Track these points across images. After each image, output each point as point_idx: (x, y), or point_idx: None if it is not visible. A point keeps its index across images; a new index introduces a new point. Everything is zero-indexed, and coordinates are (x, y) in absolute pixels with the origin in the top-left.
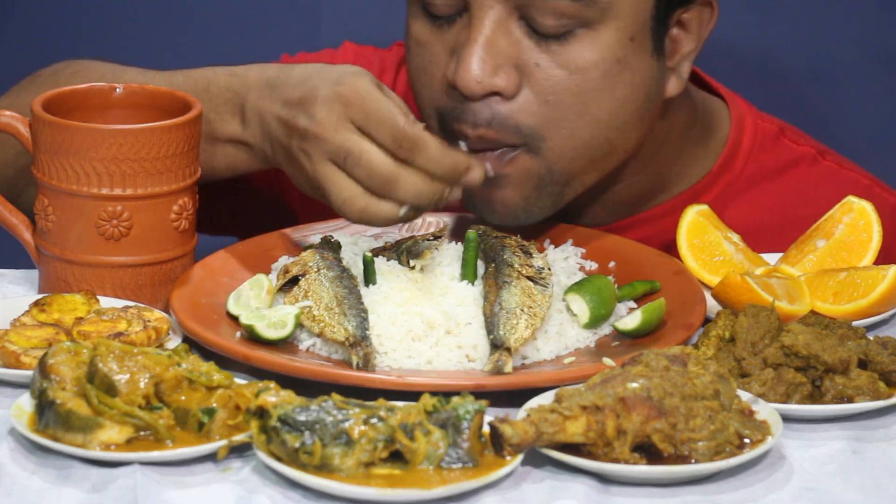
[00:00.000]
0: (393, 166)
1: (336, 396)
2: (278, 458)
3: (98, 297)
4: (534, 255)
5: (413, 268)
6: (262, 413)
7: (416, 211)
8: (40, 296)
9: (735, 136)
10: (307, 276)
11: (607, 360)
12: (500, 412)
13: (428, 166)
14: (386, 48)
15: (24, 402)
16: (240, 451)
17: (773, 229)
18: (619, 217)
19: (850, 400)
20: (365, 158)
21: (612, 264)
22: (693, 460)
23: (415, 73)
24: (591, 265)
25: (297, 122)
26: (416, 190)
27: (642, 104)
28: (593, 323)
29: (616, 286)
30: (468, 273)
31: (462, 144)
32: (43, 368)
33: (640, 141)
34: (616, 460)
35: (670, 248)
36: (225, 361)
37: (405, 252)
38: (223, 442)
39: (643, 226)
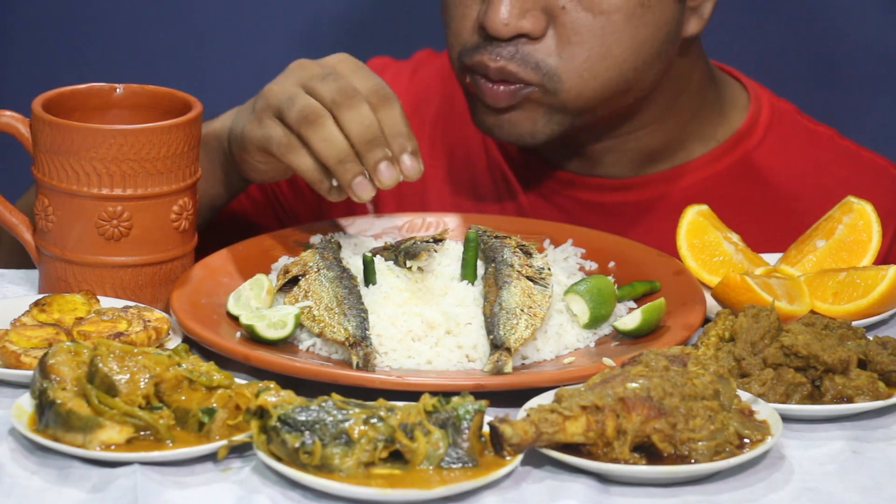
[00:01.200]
0: (323, 111)
1: (336, 396)
2: (278, 458)
3: (98, 297)
4: (534, 255)
5: (410, 269)
6: (262, 413)
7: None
8: (40, 296)
9: (755, 107)
10: (307, 276)
11: (607, 360)
12: (500, 412)
13: (391, 120)
14: None
15: (24, 402)
16: (240, 451)
17: (792, 198)
18: (637, 171)
19: (850, 400)
20: (300, 102)
21: (612, 264)
22: (693, 460)
23: (445, 9)
24: (591, 265)
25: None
26: (333, 137)
27: (661, 45)
28: (593, 323)
29: (616, 286)
30: (468, 273)
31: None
32: (43, 368)
33: (657, 80)
34: (616, 460)
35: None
36: (225, 361)
37: (402, 253)
38: (223, 442)
39: (661, 184)
